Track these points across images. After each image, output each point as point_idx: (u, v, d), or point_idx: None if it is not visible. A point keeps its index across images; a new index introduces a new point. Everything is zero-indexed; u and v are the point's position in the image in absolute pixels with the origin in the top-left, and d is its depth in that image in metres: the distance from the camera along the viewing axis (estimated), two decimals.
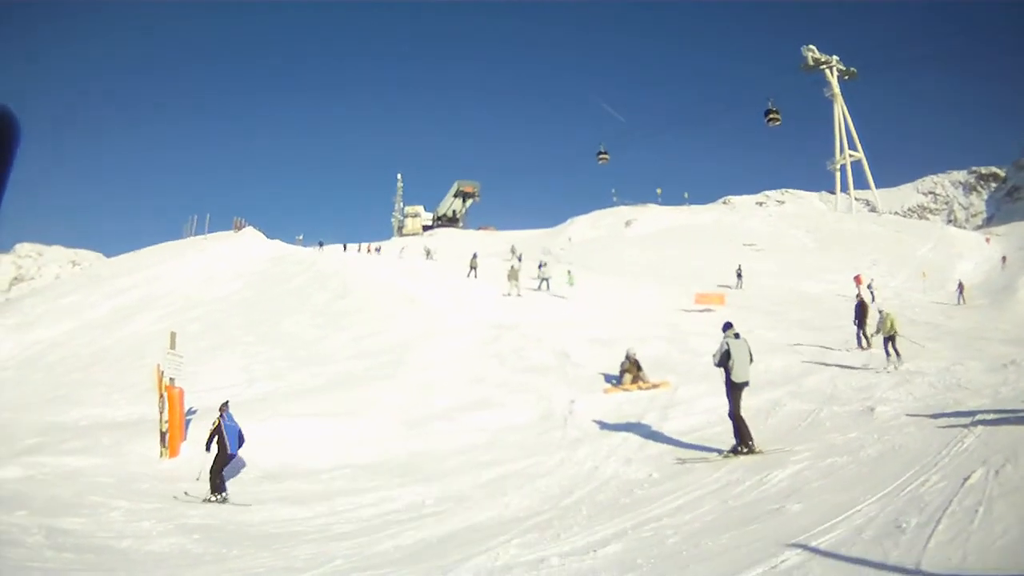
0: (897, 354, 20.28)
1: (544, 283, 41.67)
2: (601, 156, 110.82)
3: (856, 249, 65.37)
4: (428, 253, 68.57)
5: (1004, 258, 58.53)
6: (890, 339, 20.66)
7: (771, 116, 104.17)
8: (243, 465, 15.38)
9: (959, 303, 43.19)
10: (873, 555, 6.70)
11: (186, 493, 13.63)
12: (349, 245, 76.11)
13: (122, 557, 9.85)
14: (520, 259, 51.38)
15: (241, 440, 14.26)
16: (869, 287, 44.17)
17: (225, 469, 14.02)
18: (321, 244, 76.44)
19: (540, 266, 45.02)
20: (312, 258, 53.77)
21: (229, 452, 13.95)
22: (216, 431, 14.05)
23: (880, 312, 22.44)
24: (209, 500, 13.33)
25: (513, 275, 38.25)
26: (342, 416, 18.40)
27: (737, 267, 47.84)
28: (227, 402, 15.04)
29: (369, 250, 72.69)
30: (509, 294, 37.42)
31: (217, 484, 13.59)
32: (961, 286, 46.24)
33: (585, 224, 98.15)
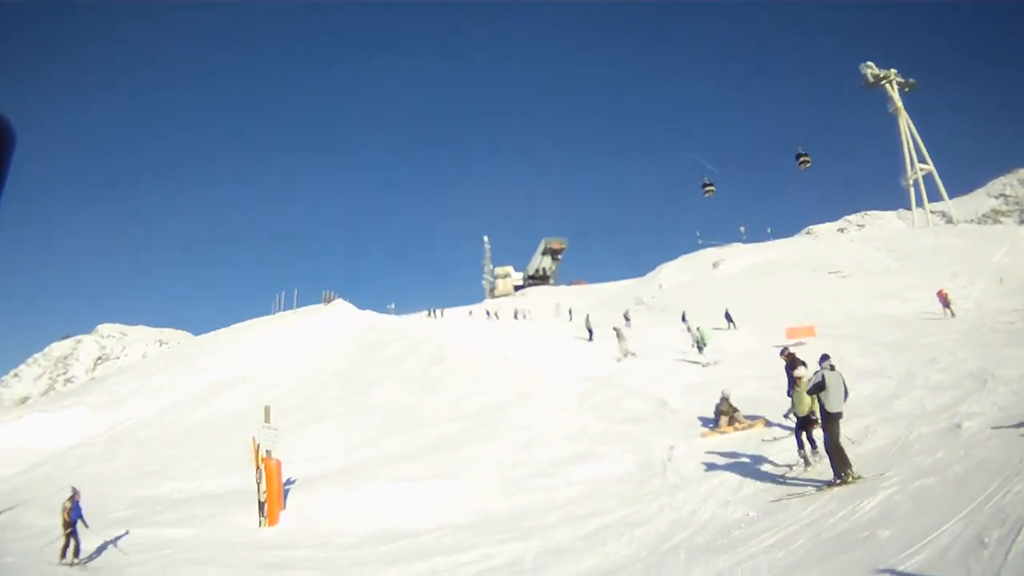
0: (812, 445, 14.92)
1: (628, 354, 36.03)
2: (707, 188, 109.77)
3: (935, 264, 64.37)
4: (516, 314, 69.30)
5: None
6: (804, 423, 15.16)
7: (802, 159, 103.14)
8: (340, 530, 15.71)
9: None
10: (956, 573, 6.97)
11: None
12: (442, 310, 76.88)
13: None
14: (628, 320, 48.73)
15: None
16: (946, 303, 43.06)
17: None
18: (431, 312, 76.83)
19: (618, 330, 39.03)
20: (405, 327, 54.15)
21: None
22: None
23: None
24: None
25: (622, 337, 36.39)
26: (441, 478, 18.66)
27: (725, 311, 45.60)
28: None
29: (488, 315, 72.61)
30: (622, 358, 35.04)
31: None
32: None
33: (674, 270, 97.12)
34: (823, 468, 13.38)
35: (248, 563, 13.53)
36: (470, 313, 76.51)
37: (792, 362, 19.42)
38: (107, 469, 26.32)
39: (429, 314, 74.58)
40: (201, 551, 14.13)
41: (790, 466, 15.15)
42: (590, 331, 43.34)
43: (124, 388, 42.99)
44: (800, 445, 14.89)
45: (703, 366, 30.96)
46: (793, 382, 18.00)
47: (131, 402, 39.45)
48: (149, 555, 13.92)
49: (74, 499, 16.18)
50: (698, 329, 34.46)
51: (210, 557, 13.29)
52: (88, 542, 15.83)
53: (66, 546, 15.81)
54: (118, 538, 16.34)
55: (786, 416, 17.81)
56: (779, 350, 21.03)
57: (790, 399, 17.79)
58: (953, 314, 40.96)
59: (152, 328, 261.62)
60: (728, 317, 45.13)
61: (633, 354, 35.12)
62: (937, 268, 61.50)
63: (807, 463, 14.53)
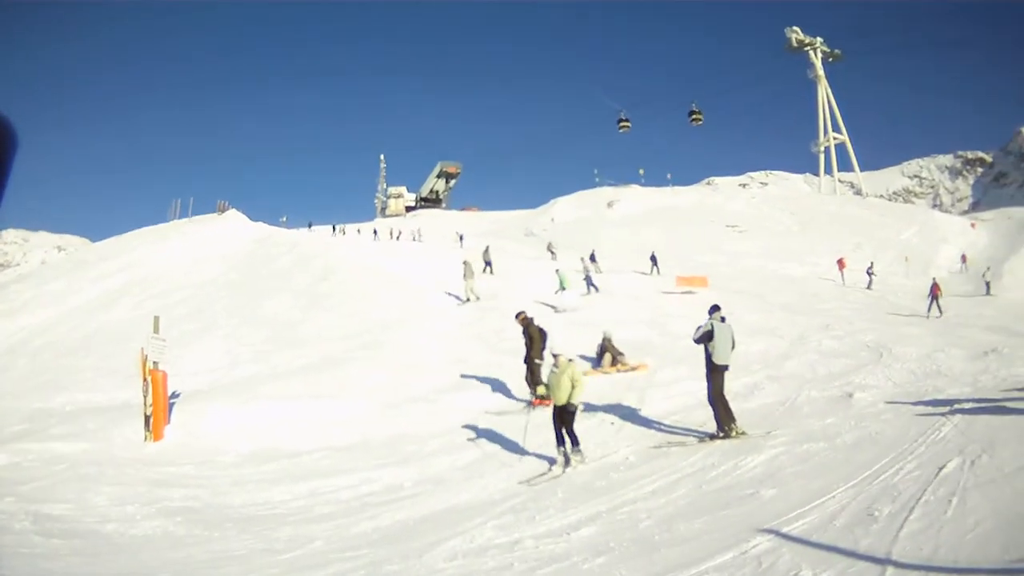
0: (573, 442, 12.22)
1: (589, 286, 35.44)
2: (622, 124, 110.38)
3: (839, 232, 65.49)
4: (401, 235, 69.68)
5: (964, 257, 55.43)
6: (561, 414, 12.42)
7: (694, 116, 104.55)
8: (223, 448, 15.41)
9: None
10: (844, 543, 6.75)
11: None
12: (344, 227, 76.45)
13: (107, 541, 9.86)
14: (594, 260, 43.88)
15: None
16: (869, 272, 43.67)
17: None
18: (310, 225, 76.68)
19: (587, 259, 39.37)
20: (295, 239, 54.10)
21: None
22: None
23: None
24: None
25: (469, 273, 32.87)
26: (323, 398, 18.46)
27: (651, 253, 45.49)
28: None
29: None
30: (463, 302, 32.17)
31: None
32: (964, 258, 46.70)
33: (568, 205, 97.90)
34: (706, 418, 13.14)
35: (135, 479, 13.09)
36: (358, 231, 75.76)
37: (527, 327, 18.48)
38: (2, 381, 25.66)
39: (334, 231, 73.66)
40: (90, 467, 13.65)
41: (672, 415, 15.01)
42: (488, 264, 41.27)
43: (22, 296, 41.90)
44: (559, 441, 12.26)
45: (555, 311, 29.51)
46: (529, 351, 17.89)
47: (28, 310, 38.49)
48: (41, 471, 13.37)
49: None
50: (557, 272, 33.46)
51: (99, 473, 12.87)
52: None
53: None
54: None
55: (531, 404, 16.01)
56: (515, 314, 19.77)
57: (527, 375, 17.91)
58: (844, 282, 41.92)
59: (53, 234, 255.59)
60: (653, 260, 44.65)
61: (478, 297, 32.18)
62: (841, 237, 62.81)
63: (567, 462, 12.07)
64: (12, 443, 15.59)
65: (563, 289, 31.41)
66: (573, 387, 12.01)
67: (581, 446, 12.15)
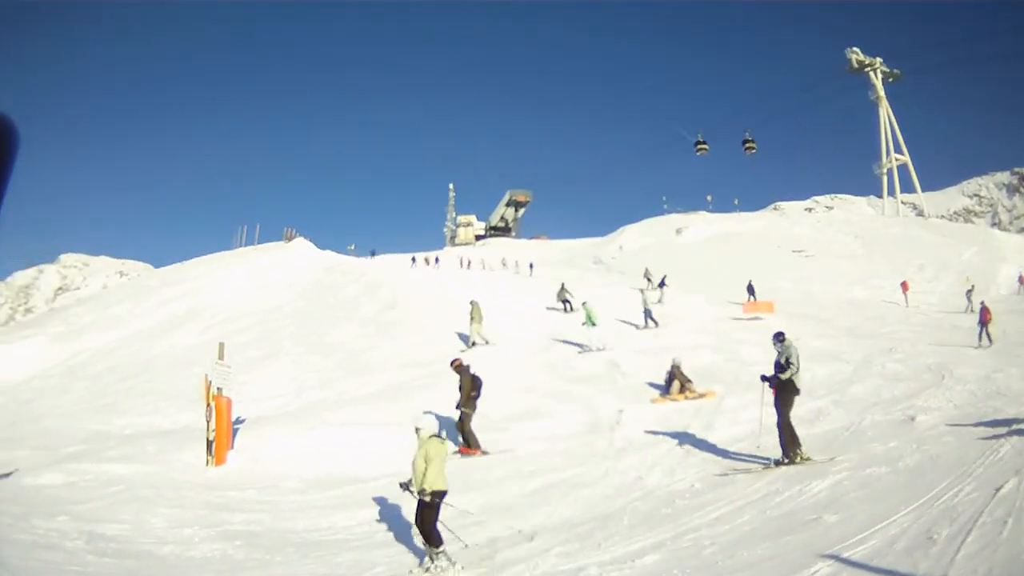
0: (436, 542, 9.63)
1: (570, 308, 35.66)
2: (700, 147, 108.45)
3: (902, 254, 64.62)
4: (467, 264, 69.24)
5: (1021, 277, 51.22)
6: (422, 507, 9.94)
7: (748, 145, 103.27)
8: (286, 473, 15.65)
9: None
10: (903, 566, 6.90)
11: None
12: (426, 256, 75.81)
13: (162, 563, 10.02)
14: (650, 280, 45.05)
15: None
16: (969, 294, 42.22)
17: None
18: (373, 253, 76.91)
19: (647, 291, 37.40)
20: (363, 268, 54.06)
21: None
22: None
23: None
24: None
25: (476, 316, 29.83)
26: (390, 426, 18.21)
27: (748, 283, 43.78)
28: None
29: (427, 261, 71.36)
30: (467, 348, 28.61)
31: None
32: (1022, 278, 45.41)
33: (636, 233, 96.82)
34: (771, 445, 13.23)
35: (194, 502, 13.24)
36: (436, 260, 75.48)
37: (460, 374, 17.87)
38: (62, 402, 26.01)
39: (413, 262, 72.55)
40: (148, 489, 13.81)
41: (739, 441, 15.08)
42: (567, 302, 38.22)
43: (83, 319, 42.43)
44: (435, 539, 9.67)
45: (579, 352, 27.86)
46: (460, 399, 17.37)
47: (89, 333, 38.92)
48: (98, 492, 13.64)
49: None
50: (584, 305, 29.76)
51: (157, 495, 13.04)
52: (42, 478, 15.51)
53: None
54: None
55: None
56: (450, 361, 19.21)
57: (457, 424, 17.21)
58: (907, 304, 41.27)
59: (114, 259, 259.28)
60: (751, 290, 43.06)
61: (485, 341, 29.17)
62: (904, 259, 61.81)
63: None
64: (68, 463, 15.81)
65: (592, 325, 28.36)
66: (426, 468, 9.68)
67: (444, 547, 9.58)
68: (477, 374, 18.03)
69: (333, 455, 16.55)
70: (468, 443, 16.72)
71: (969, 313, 37.18)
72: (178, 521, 11.96)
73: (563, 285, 40.10)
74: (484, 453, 16.51)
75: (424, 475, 9.54)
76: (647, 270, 45.94)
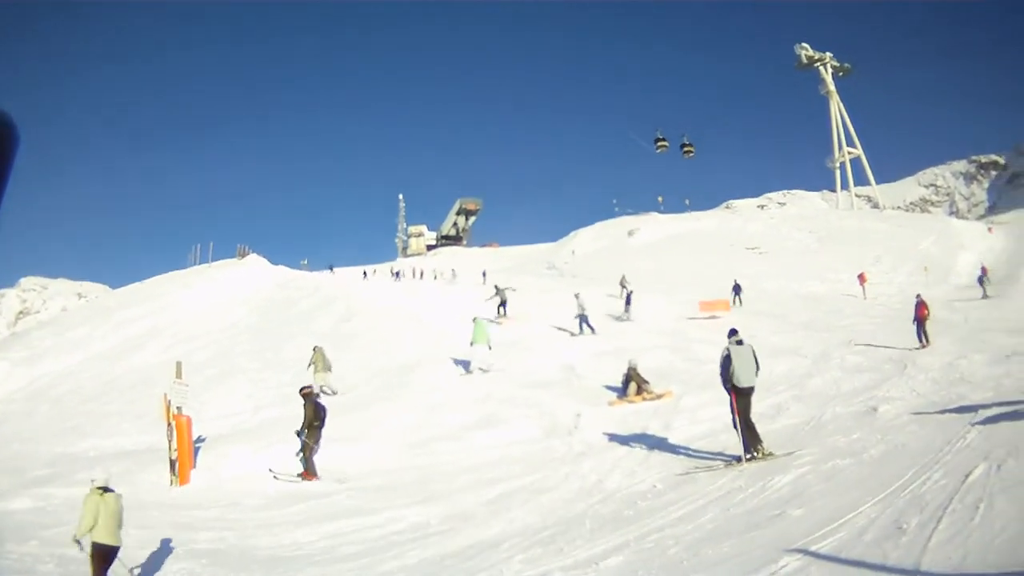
0: None
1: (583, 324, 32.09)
2: (660, 143, 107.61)
3: (859, 247, 65.22)
4: (422, 274, 70.02)
5: (984, 269, 46.66)
6: None
7: (685, 149, 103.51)
8: (248, 490, 15.55)
9: (984, 295, 39.49)
10: (873, 557, 6.73)
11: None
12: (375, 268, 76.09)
13: None
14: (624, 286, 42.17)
15: None
16: (981, 279, 41.71)
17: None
18: (331, 268, 76.89)
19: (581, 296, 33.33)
20: (317, 283, 54.34)
21: None
22: None
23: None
24: None
25: (319, 363, 26.18)
26: (348, 440, 18.45)
27: (734, 282, 42.92)
28: None
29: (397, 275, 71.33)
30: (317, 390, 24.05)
31: None
32: (984, 271, 44.47)
33: (588, 236, 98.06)
34: (733, 443, 13.09)
35: (161, 523, 13.19)
36: (397, 274, 75.43)
37: (305, 402, 17.49)
38: (27, 426, 25.69)
39: (365, 275, 72.47)
40: None
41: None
42: (503, 305, 36.88)
43: (44, 342, 41.95)
44: None
45: (461, 375, 25.87)
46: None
47: (50, 357, 38.45)
48: (66, 515, 13.41)
49: None
50: (475, 320, 27.11)
51: (125, 517, 12.88)
52: (13, 503, 15.31)
53: None
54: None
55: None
56: (300, 388, 18.39)
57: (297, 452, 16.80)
58: (866, 296, 41.49)
59: (72, 281, 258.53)
60: (736, 290, 42.17)
61: (333, 392, 24.95)
62: (860, 251, 62.51)
63: None
64: (36, 487, 15.77)
65: (481, 343, 26.03)
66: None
67: None
68: (323, 403, 18.00)
69: (294, 471, 16.50)
70: (307, 469, 16.56)
71: (984, 299, 37.50)
72: (146, 541, 11.87)
73: (497, 287, 38.22)
74: (318, 479, 16.32)
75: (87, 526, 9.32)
76: (623, 278, 45.15)
